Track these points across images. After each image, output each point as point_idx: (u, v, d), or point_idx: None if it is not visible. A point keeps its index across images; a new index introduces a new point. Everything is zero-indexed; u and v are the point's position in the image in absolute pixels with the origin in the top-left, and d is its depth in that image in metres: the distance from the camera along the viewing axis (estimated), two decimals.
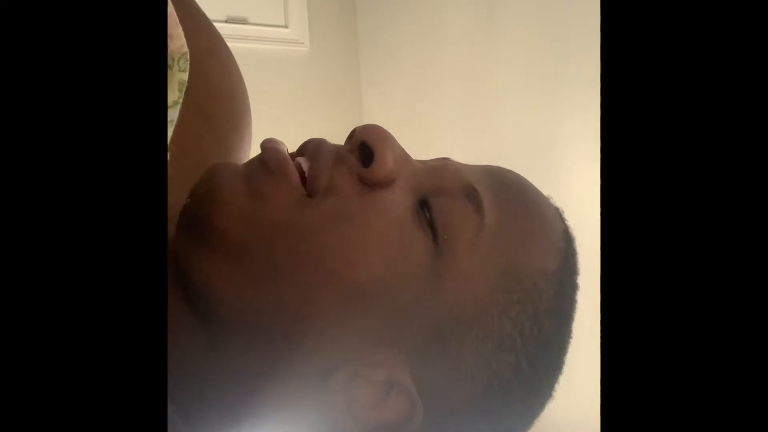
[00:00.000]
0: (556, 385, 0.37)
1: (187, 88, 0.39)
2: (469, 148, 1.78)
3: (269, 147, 0.34)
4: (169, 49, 0.35)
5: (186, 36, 0.38)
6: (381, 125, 0.36)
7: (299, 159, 0.35)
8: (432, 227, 0.34)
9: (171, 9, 0.35)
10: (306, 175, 0.34)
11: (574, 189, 1.50)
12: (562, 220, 0.39)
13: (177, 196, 0.40)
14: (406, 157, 0.37)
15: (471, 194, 0.36)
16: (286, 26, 1.95)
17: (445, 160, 0.39)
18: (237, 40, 1.89)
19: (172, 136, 0.38)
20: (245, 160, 0.47)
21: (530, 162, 1.62)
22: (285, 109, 1.90)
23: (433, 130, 1.88)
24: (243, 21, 1.86)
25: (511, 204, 0.37)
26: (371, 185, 0.34)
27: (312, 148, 0.35)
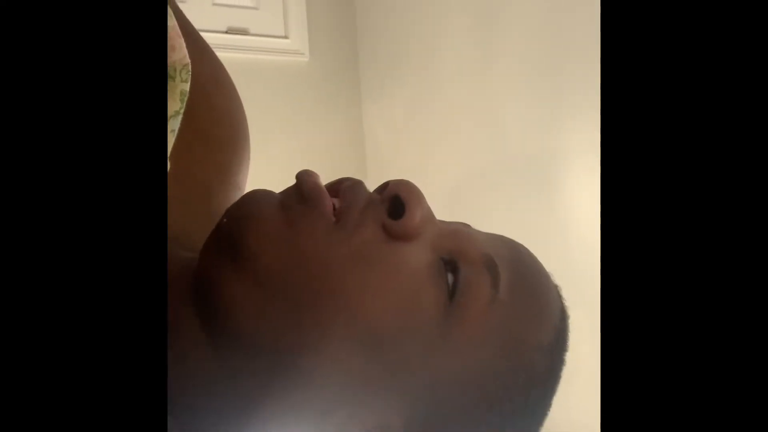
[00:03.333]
0: None
1: (192, 114, 0.41)
2: (470, 160, 1.79)
3: (306, 179, 0.36)
4: (170, 59, 0.36)
5: (193, 64, 0.39)
6: (413, 184, 0.37)
7: (333, 199, 0.36)
8: (451, 287, 0.36)
9: (173, 22, 0.35)
10: (337, 210, 0.35)
11: (576, 198, 1.51)
12: (560, 298, 0.41)
13: (178, 217, 0.41)
14: (432, 217, 0.38)
15: (491, 267, 0.37)
16: (286, 37, 1.96)
17: (466, 227, 0.41)
18: (237, 51, 1.91)
19: (174, 155, 0.39)
20: (244, 183, 0.50)
21: (532, 172, 1.63)
22: (285, 119, 1.90)
23: (433, 140, 1.88)
24: (243, 32, 1.87)
25: (522, 281, 0.38)
26: (396, 237, 0.36)
27: (347, 187, 0.37)
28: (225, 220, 0.35)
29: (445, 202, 1.79)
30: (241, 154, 0.48)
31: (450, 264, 0.36)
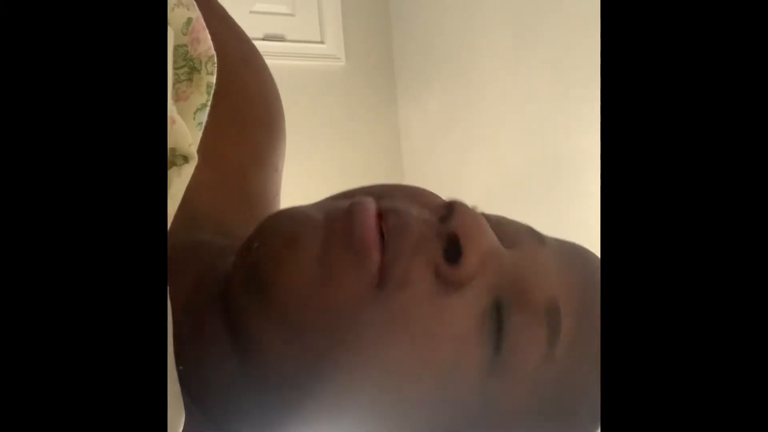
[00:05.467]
0: None
1: (223, 95, 0.39)
2: (507, 162, 1.77)
3: (360, 220, 0.31)
4: (196, 52, 0.36)
5: (222, 46, 0.39)
6: (479, 215, 0.33)
7: (382, 214, 0.32)
8: (498, 344, 0.32)
9: (198, 13, 0.36)
10: (382, 259, 0.30)
11: None
12: None
13: (214, 203, 0.40)
14: (495, 251, 0.33)
15: (552, 317, 0.32)
16: (322, 42, 1.97)
17: (538, 244, 0.35)
18: (275, 57, 1.93)
19: (208, 143, 0.39)
20: (281, 165, 0.47)
21: (570, 175, 1.61)
22: (322, 124, 1.92)
23: (469, 143, 1.87)
24: (280, 38, 1.89)
25: (588, 336, 0.33)
26: (448, 285, 0.31)
27: (396, 226, 0.31)
28: (257, 245, 0.31)
29: (482, 204, 1.77)
30: (276, 134, 0.46)
31: (498, 307, 0.32)
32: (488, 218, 0.35)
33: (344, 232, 0.30)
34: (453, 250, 0.31)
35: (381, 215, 0.31)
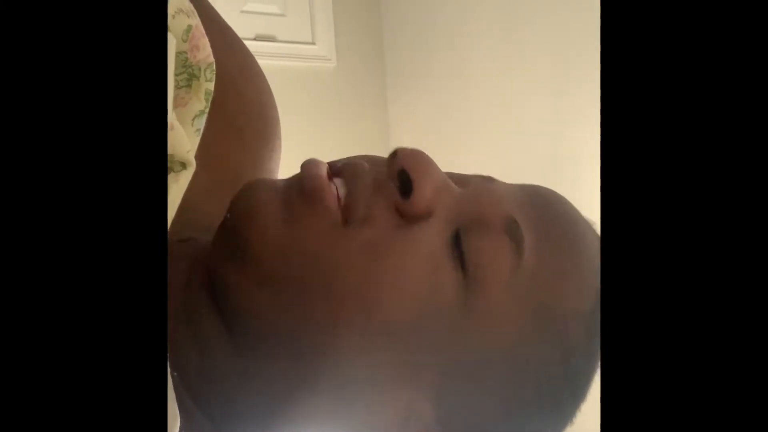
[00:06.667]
0: (577, 412, 0.37)
1: (221, 102, 0.40)
2: (497, 164, 1.78)
3: (309, 174, 0.33)
4: (195, 59, 0.36)
5: (219, 53, 0.39)
6: (420, 150, 0.35)
7: (336, 180, 0.34)
8: (463, 266, 0.33)
9: (198, 21, 0.36)
10: (342, 202, 0.33)
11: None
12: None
13: (210, 207, 0.40)
14: (446, 184, 0.35)
15: (512, 231, 0.34)
16: (313, 43, 1.97)
17: (488, 182, 0.37)
18: (266, 58, 1.92)
19: (206, 148, 0.39)
20: (277, 171, 0.49)
21: (560, 175, 1.62)
22: (312, 125, 1.91)
23: (460, 145, 1.88)
24: (271, 39, 1.89)
25: (552, 240, 0.35)
26: (408, 218, 0.33)
27: (350, 172, 0.34)
28: (228, 215, 0.34)
29: None
30: (271, 140, 0.47)
31: (457, 237, 0.34)
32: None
33: (298, 185, 0.33)
34: (407, 187, 0.33)
35: (336, 172, 0.34)
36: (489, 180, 0.38)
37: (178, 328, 0.34)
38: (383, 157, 0.37)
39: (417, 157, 0.34)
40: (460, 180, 0.37)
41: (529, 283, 0.34)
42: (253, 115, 0.46)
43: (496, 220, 0.34)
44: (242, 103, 0.45)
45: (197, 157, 0.37)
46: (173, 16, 0.34)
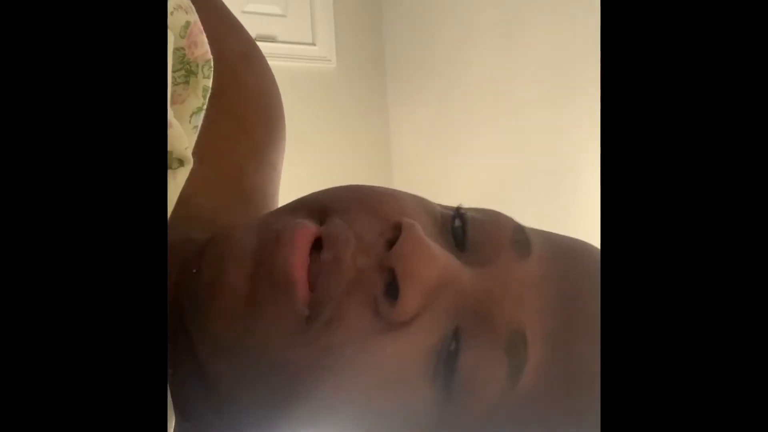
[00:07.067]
0: None
1: (221, 91, 0.39)
2: (496, 165, 1.78)
3: (280, 254, 0.28)
4: (193, 56, 0.36)
5: (219, 41, 0.38)
6: (424, 241, 0.29)
7: (321, 253, 0.29)
8: (447, 382, 0.29)
9: (196, 17, 0.36)
10: (312, 294, 0.29)
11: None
12: None
13: (209, 201, 0.40)
14: (449, 280, 0.30)
15: (515, 349, 0.29)
16: (313, 44, 1.97)
17: (520, 260, 0.31)
18: (266, 58, 1.92)
19: (205, 140, 0.38)
20: (280, 163, 0.46)
21: (559, 178, 1.62)
22: (312, 125, 1.91)
23: (459, 145, 1.88)
24: (272, 39, 1.89)
25: (564, 365, 0.30)
26: (386, 323, 0.29)
27: (330, 256, 0.29)
28: (195, 270, 0.30)
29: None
30: (274, 131, 0.45)
31: (460, 339, 0.29)
32: (471, 222, 0.33)
33: (270, 264, 0.29)
34: (394, 285, 0.29)
35: (320, 240, 0.30)
36: (521, 250, 0.32)
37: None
38: (395, 209, 0.31)
39: (417, 255, 0.29)
40: (487, 244, 0.32)
41: (520, 404, 0.30)
42: (255, 104, 0.44)
43: (502, 328, 0.30)
44: (243, 91, 0.43)
45: (196, 148, 0.36)
46: (171, 13, 0.34)
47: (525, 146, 1.71)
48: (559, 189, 1.60)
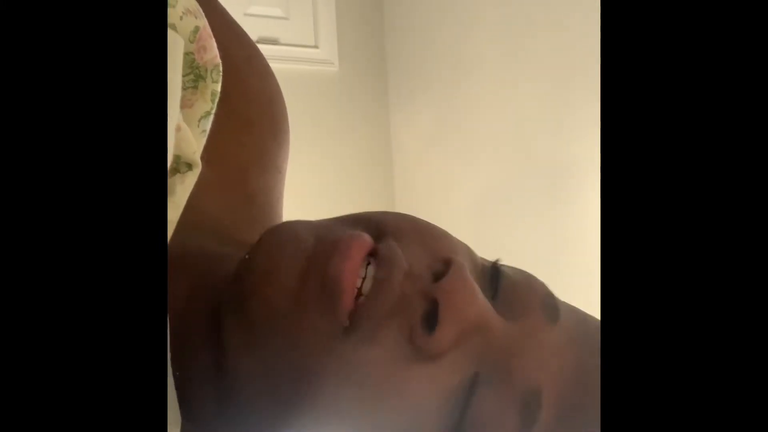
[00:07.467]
0: None
1: (226, 95, 0.39)
2: (498, 170, 1.78)
3: (343, 259, 0.29)
4: (202, 60, 0.36)
5: (223, 45, 0.38)
6: (468, 279, 0.30)
7: (371, 264, 0.30)
8: (459, 423, 0.30)
9: (205, 21, 0.36)
10: (356, 305, 0.29)
11: None
12: None
13: (215, 204, 0.40)
14: (483, 324, 0.30)
15: (529, 405, 0.30)
16: (316, 46, 1.97)
17: (547, 325, 0.32)
18: (268, 60, 1.92)
19: (210, 143, 0.38)
20: (285, 166, 0.47)
21: (560, 184, 1.62)
22: (314, 128, 1.92)
23: (460, 150, 1.88)
24: (274, 42, 1.89)
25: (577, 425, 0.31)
26: (418, 352, 0.30)
27: (383, 275, 0.30)
28: (247, 256, 0.31)
29: (472, 213, 1.78)
30: (278, 135, 0.45)
31: (478, 386, 0.30)
32: (506, 278, 0.33)
33: (323, 268, 0.29)
34: (433, 316, 0.29)
35: (374, 254, 0.30)
36: (550, 315, 0.33)
37: (173, 340, 0.33)
38: (445, 245, 0.33)
39: (462, 292, 0.30)
40: (520, 302, 0.33)
41: None
42: (259, 108, 0.44)
43: (521, 384, 0.30)
44: (247, 95, 0.43)
45: (203, 153, 0.36)
46: (181, 18, 0.34)
47: (526, 152, 1.71)
48: (560, 195, 1.60)
